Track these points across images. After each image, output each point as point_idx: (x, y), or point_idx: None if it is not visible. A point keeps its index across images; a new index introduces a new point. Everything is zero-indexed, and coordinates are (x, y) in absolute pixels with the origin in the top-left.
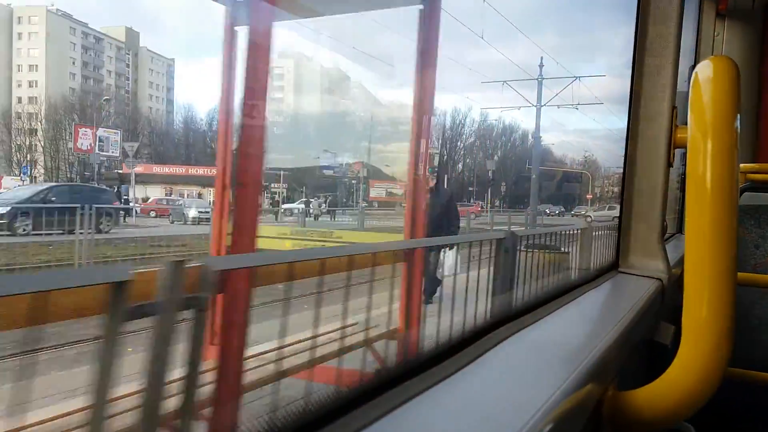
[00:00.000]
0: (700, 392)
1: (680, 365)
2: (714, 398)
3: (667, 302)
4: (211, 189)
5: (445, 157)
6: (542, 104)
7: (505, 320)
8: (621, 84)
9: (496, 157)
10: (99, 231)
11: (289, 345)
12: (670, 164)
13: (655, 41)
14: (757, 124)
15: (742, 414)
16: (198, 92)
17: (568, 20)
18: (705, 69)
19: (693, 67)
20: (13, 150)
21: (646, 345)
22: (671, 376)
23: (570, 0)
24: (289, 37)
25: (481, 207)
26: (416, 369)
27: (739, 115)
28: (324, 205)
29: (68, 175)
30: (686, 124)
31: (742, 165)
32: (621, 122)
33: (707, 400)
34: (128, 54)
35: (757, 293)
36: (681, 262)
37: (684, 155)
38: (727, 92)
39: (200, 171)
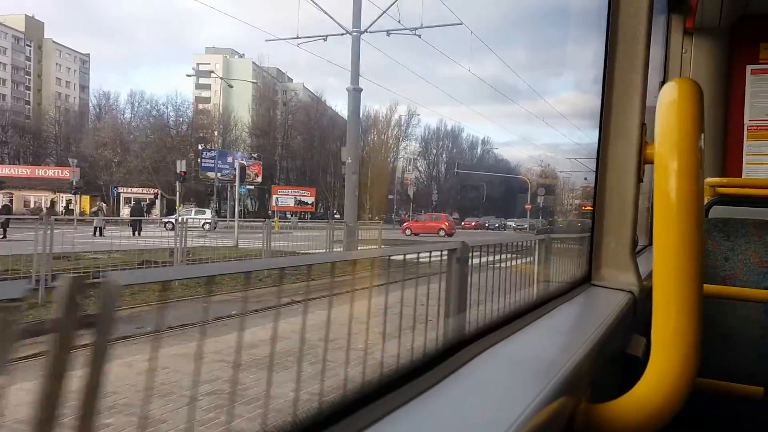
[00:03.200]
0: (671, 403)
1: (650, 377)
2: (684, 409)
3: (638, 315)
4: (65, 195)
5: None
6: (362, 30)
7: (478, 335)
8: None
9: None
10: None
11: None
12: (640, 179)
13: (624, 58)
14: (724, 139)
15: (712, 423)
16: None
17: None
18: (670, 91)
19: (662, 83)
20: None
21: (618, 357)
22: (642, 388)
23: (539, 16)
24: None
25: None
26: (388, 386)
27: (702, 135)
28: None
29: None
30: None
31: (710, 179)
32: (587, 136)
33: (678, 411)
34: (29, 46)
35: (726, 304)
36: (652, 275)
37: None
38: (690, 114)
39: (51, 173)
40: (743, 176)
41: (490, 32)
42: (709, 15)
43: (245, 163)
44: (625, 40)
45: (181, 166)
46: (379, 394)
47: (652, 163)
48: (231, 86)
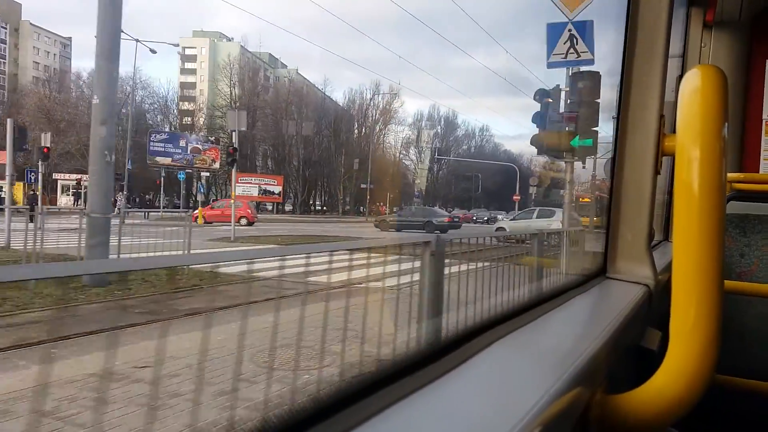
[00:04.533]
0: (687, 397)
1: (668, 370)
2: (700, 404)
3: (654, 308)
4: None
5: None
6: None
7: (493, 324)
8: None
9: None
10: None
11: None
12: (657, 172)
13: (643, 51)
14: (742, 134)
15: (728, 420)
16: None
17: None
18: (693, 78)
19: (680, 76)
20: None
21: (633, 350)
22: (659, 381)
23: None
24: None
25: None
26: (402, 371)
27: (726, 124)
28: None
29: None
30: (673, 132)
31: (728, 174)
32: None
33: (694, 406)
34: (4, 28)
35: (742, 301)
36: (668, 268)
37: (671, 163)
38: (715, 101)
39: None
40: (761, 172)
41: (500, 23)
42: (730, 8)
43: (200, 146)
44: (644, 32)
45: (45, 140)
46: (391, 381)
47: (669, 155)
48: (154, 51)
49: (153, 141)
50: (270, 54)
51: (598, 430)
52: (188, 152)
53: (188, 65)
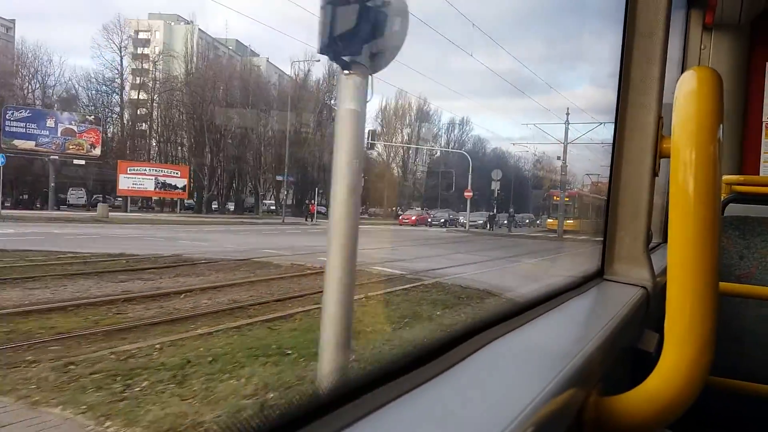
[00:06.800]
0: (682, 399)
1: (662, 372)
2: (695, 406)
3: (651, 310)
4: None
5: None
6: None
7: (489, 324)
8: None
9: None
10: None
11: None
12: (655, 174)
13: (641, 53)
14: (742, 136)
15: (722, 422)
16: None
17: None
18: (689, 79)
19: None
20: None
21: (630, 352)
22: (653, 383)
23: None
24: None
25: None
26: (396, 371)
27: (721, 125)
28: None
29: None
30: (671, 134)
31: (727, 177)
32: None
33: (688, 407)
34: None
35: (740, 303)
36: (666, 270)
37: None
38: (710, 102)
39: None
40: (760, 174)
41: (496, 24)
42: (729, 11)
43: (75, 128)
44: (642, 34)
45: None
46: (386, 380)
47: (667, 157)
48: None
49: (9, 120)
50: (237, 41)
51: (592, 431)
52: (58, 134)
53: (141, 50)
